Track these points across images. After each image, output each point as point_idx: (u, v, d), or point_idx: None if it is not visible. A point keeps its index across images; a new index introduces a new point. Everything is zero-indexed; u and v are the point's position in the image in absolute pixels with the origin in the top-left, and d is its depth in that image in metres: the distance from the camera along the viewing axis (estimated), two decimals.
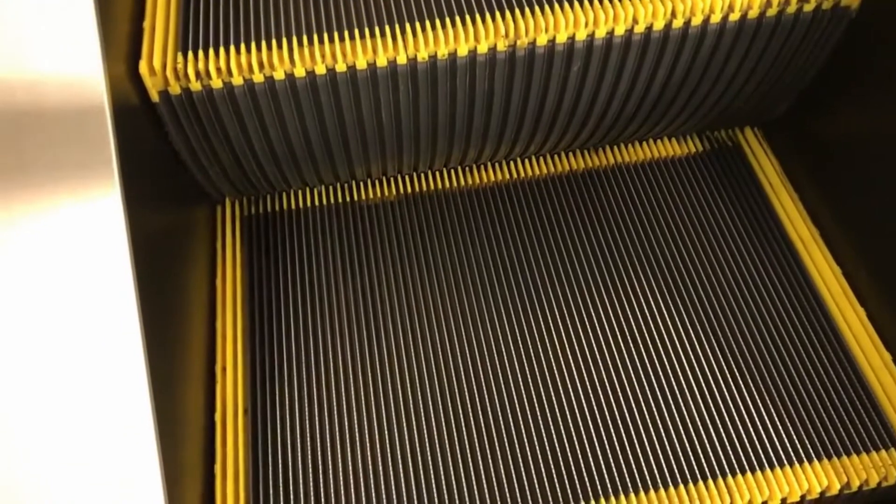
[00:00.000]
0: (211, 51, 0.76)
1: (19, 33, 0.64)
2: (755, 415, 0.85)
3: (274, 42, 0.77)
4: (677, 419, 0.85)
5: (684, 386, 0.87)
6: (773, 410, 0.85)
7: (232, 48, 0.76)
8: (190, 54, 0.76)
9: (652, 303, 0.94)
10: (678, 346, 0.90)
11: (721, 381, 0.87)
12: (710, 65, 0.89)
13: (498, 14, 0.79)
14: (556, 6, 0.80)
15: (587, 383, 0.87)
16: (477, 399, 0.86)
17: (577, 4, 0.80)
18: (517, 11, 0.79)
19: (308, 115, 0.83)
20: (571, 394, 0.86)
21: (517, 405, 0.86)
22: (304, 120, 0.83)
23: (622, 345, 0.90)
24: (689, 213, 1.02)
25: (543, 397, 0.86)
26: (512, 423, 0.84)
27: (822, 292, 0.94)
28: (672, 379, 0.88)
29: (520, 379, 0.88)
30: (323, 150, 0.89)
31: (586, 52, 0.82)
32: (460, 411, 0.85)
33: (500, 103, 0.88)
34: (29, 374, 0.59)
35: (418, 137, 0.91)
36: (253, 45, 0.77)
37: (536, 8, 0.79)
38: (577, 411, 0.85)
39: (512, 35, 0.79)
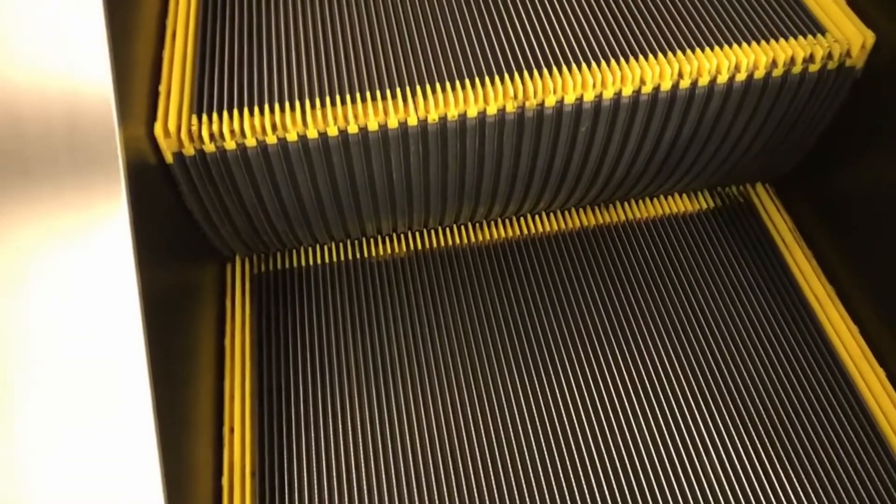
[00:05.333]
0: (225, 113, 0.77)
1: (33, 87, 0.66)
2: (772, 474, 0.84)
3: (287, 104, 0.78)
4: (692, 477, 0.84)
5: (699, 443, 0.86)
6: (790, 470, 0.84)
7: (245, 110, 0.78)
8: (204, 116, 0.77)
9: (666, 360, 0.93)
10: (692, 403, 0.89)
11: (736, 440, 0.86)
12: (718, 124, 0.90)
13: (507, 76, 0.80)
14: (565, 68, 0.81)
15: (599, 441, 0.86)
16: (488, 459, 0.85)
17: (584, 66, 0.81)
18: (525, 74, 0.80)
19: (320, 175, 0.84)
20: (584, 452, 0.86)
21: (528, 464, 0.85)
22: (316, 179, 0.84)
23: (635, 403, 0.89)
24: (702, 269, 1.02)
25: (556, 457, 0.85)
26: (524, 483, 0.84)
27: (839, 351, 0.93)
28: (686, 436, 0.87)
29: (531, 437, 0.87)
30: (334, 208, 0.90)
31: (594, 113, 0.83)
32: (471, 471, 0.84)
33: (509, 163, 0.88)
34: (36, 434, 0.58)
35: (428, 196, 0.92)
36: (266, 107, 0.78)
37: (545, 70, 0.81)
38: (590, 470, 0.85)
39: (521, 97, 0.80)
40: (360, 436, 0.87)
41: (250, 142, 0.78)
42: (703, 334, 0.95)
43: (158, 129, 0.75)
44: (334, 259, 1.03)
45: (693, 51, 0.83)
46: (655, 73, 0.81)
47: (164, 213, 0.79)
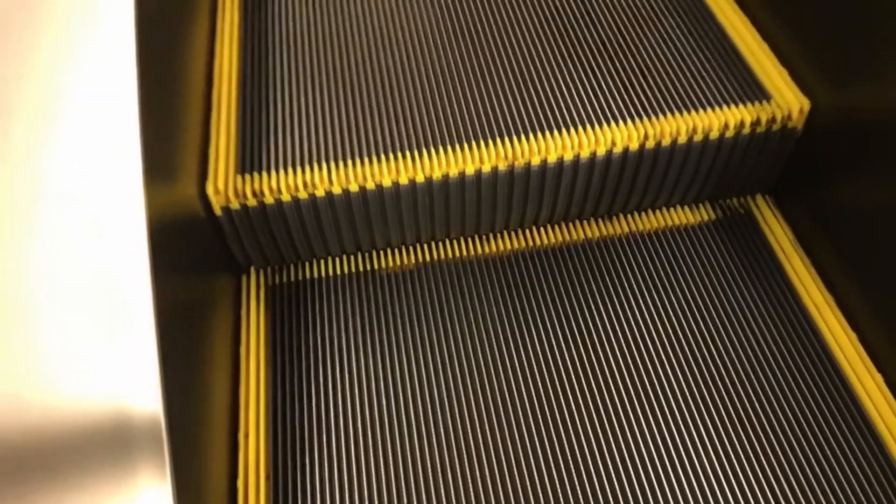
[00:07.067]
0: (264, 174, 0.93)
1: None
2: (772, 480, 0.86)
3: (316, 166, 0.94)
4: (693, 482, 0.86)
5: (700, 449, 0.88)
6: (790, 476, 0.86)
7: (282, 171, 0.93)
8: (247, 177, 0.93)
9: (668, 368, 0.95)
10: (693, 411, 0.91)
11: (738, 448, 0.88)
12: (683, 172, 1.04)
13: (499, 140, 0.96)
14: (548, 133, 0.96)
15: (600, 451, 0.89)
16: (494, 464, 0.88)
17: (564, 131, 0.96)
18: (514, 138, 0.96)
19: (342, 218, 0.99)
20: (580, 463, 0.88)
21: (534, 470, 0.88)
22: (339, 221, 0.99)
23: (638, 410, 0.92)
24: (703, 279, 1.04)
25: (562, 468, 0.88)
26: (530, 490, 0.87)
27: (838, 357, 0.95)
28: (688, 442, 0.89)
29: (538, 444, 0.90)
30: (350, 235, 1.04)
31: (573, 168, 0.98)
32: (477, 476, 0.88)
33: (503, 205, 1.03)
34: (48, 434, 0.59)
35: (434, 224, 1.05)
36: (299, 168, 0.94)
37: (531, 135, 0.96)
38: (585, 479, 0.87)
39: (510, 157, 0.95)
40: (370, 441, 0.91)
41: (285, 197, 0.93)
42: (705, 342, 0.97)
43: (210, 188, 0.91)
44: (345, 271, 1.07)
45: (657, 117, 0.98)
46: (624, 136, 0.96)
47: (193, 234, 0.88)
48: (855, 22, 0.90)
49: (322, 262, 1.07)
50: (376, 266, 1.07)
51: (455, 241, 1.09)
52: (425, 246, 1.09)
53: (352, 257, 1.08)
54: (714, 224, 1.11)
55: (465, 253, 1.08)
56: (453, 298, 1.03)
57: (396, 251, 1.08)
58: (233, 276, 1.03)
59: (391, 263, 1.07)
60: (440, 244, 1.09)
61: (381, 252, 1.09)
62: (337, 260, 1.08)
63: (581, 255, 1.07)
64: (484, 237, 1.09)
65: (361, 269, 1.07)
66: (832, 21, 0.94)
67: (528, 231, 1.10)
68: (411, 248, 1.09)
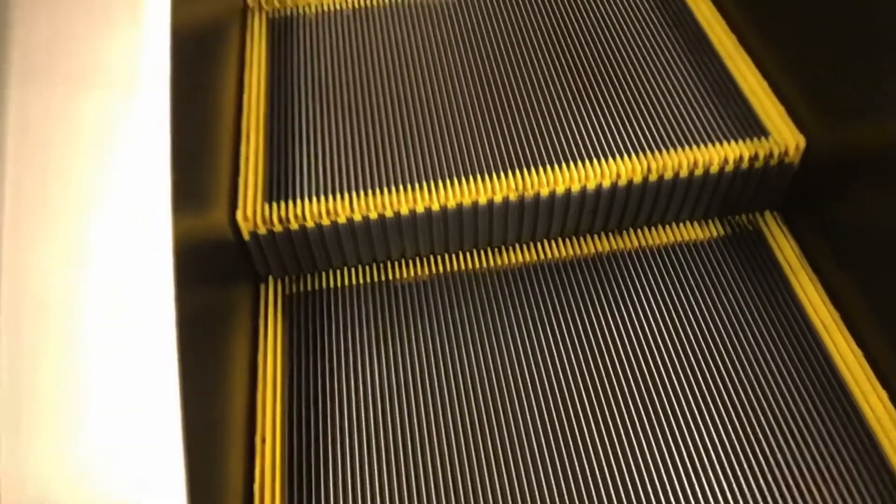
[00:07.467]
0: (290, 202, 1.00)
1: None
2: (777, 496, 0.87)
3: (338, 195, 1.00)
4: (692, 499, 0.88)
5: (707, 463, 0.90)
6: (795, 492, 0.88)
7: (306, 200, 1.00)
8: (274, 205, 0.99)
9: (676, 381, 0.97)
10: (700, 425, 0.93)
11: (744, 464, 0.90)
12: (686, 199, 1.09)
13: (510, 172, 1.02)
14: (556, 165, 1.02)
15: (611, 459, 0.91)
16: (504, 476, 0.90)
17: (572, 164, 1.02)
18: (524, 170, 1.02)
19: (362, 240, 1.05)
20: (589, 477, 0.90)
21: (543, 479, 0.90)
22: (358, 242, 1.06)
23: (645, 423, 0.93)
24: (712, 294, 1.05)
25: (570, 480, 0.90)
26: (539, 500, 0.89)
27: (843, 372, 0.97)
28: (696, 458, 0.90)
29: (546, 454, 0.91)
30: (368, 251, 1.09)
31: (581, 199, 1.04)
32: (487, 480, 0.90)
33: (514, 228, 1.09)
34: (65, 434, 0.61)
35: (447, 241, 1.10)
36: (322, 197, 1.00)
37: (540, 167, 1.02)
38: (594, 493, 0.89)
39: (520, 188, 1.01)
40: (382, 448, 0.93)
41: (309, 224, 1.00)
42: (713, 355, 0.99)
43: (240, 215, 0.97)
44: (361, 281, 1.10)
45: (660, 151, 1.03)
46: (629, 168, 1.02)
47: (220, 254, 0.92)
48: (847, 64, 0.95)
49: (338, 271, 1.11)
50: (391, 277, 1.10)
51: (468, 253, 1.12)
52: (438, 258, 1.12)
53: (367, 268, 1.11)
54: (723, 240, 1.12)
55: (477, 265, 1.11)
56: (465, 309, 1.06)
57: (411, 262, 1.12)
58: (252, 285, 1.07)
59: (405, 274, 1.10)
60: (453, 256, 1.12)
61: (396, 263, 1.12)
62: (353, 270, 1.11)
63: (591, 268, 1.10)
64: (496, 249, 1.13)
65: (376, 279, 1.10)
66: (826, 62, 1.00)
67: (539, 244, 1.13)
68: (425, 260, 1.12)
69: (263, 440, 0.92)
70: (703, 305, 1.04)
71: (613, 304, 1.05)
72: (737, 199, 1.11)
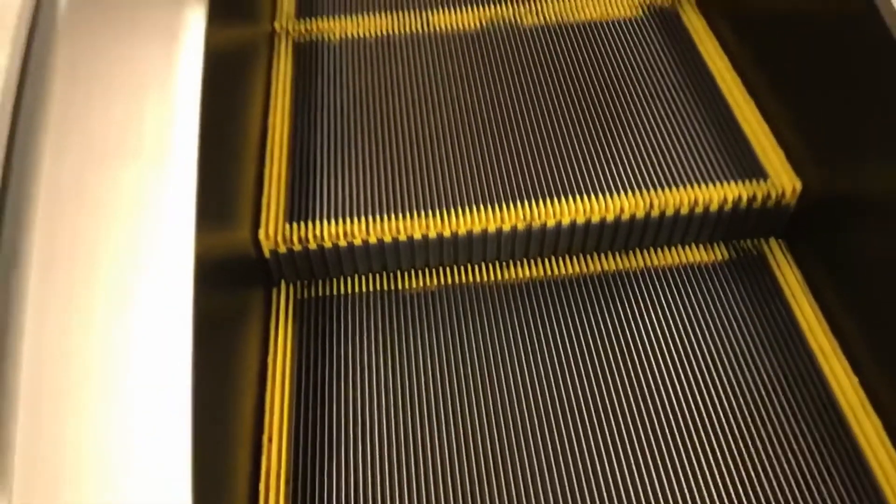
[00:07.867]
0: (309, 223, 1.05)
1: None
2: None
3: (355, 218, 1.06)
4: None
5: (703, 488, 0.91)
6: None
7: (325, 222, 1.06)
8: (295, 225, 1.05)
9: (675, 404, 0.98)
10: (696, 442, 0.95)
11: (736, 481, 0.91)
12: (689, 230, 1.14)
13: (518, 203, 1.07)
14: (562, 198, 1.07)
15: (608, 478, 0.92)
16: (508, 487, 0.92)
17: (577, 198, 1.07)
18: (531, 202, 1.07)
19: (375, 259, 1.11)
20: (600, 488, 0.92)
21: (550, 494, 0.91)
22: (371, 260, 1.11)
23: (644, 445, 0.95)
24: (714, 317, 1.07)
25: (573, 490, 0.91)
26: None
27: (839, 398, 0.98)
28: (692, 479, 0.92)
29: (549, 466, 0.93)
30: (379, 265, 1.13)
31: (585, 230, 1.09)
32: (490, 489, 0.91)
33: (520, 251, 1.13)
34: (75, 429, 0.62)
35: (456, 257, 1.14)
36: (340, 220, 1.06)
37: (547, 199, 1.07)
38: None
39: (528, 218, 1.06)
40: (385, 452, 0.95)
41: (327, 244, 1.05)
42: (712, 378, 1.00)
43: (262, 234, 1.03)
44: (371, 289, 1.12)
45: (662, 189, 1.09)
46: (632, 204, 1.07)
47: (240, 266, 0.96)
48: (839, 114, 1.01)
49: (349, 278, 1.13)
50: (400, 287, 1.13)
51: (476, 267, 1.14)
52: (447, 269, 1.14)
53: (377, 276, 1.15)
54: (727, 264, 1.14)
55: (485, 278, 1.13)
56: (472, 320, 1.08)
57: (420, 272, 1.14)
58: (265, 289, 1.10)
59: (414, 284, 1.13)
60: (462, 268, 1.14)
61: (405, 273, 1.14)
62: (363, 278, 1.13)
63: (597, 285, 1.11)
64: (503, 263, 1.15)
65: (386, 287, 1.13)
66: (821, 111, 1.05)
67: (546, 260, 1.15)
68: (434, 271, 1.14)
69: (270, 440, 0.94)
70: (704, 326, 1.06)
71: (618, 321, 1.07)
72: (739, 228, 1.15)
